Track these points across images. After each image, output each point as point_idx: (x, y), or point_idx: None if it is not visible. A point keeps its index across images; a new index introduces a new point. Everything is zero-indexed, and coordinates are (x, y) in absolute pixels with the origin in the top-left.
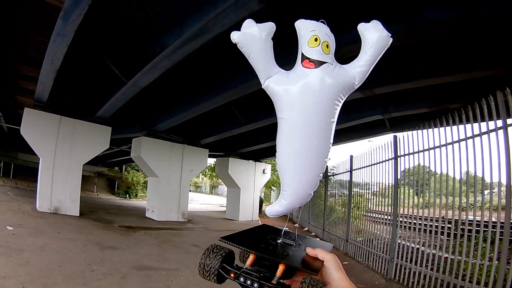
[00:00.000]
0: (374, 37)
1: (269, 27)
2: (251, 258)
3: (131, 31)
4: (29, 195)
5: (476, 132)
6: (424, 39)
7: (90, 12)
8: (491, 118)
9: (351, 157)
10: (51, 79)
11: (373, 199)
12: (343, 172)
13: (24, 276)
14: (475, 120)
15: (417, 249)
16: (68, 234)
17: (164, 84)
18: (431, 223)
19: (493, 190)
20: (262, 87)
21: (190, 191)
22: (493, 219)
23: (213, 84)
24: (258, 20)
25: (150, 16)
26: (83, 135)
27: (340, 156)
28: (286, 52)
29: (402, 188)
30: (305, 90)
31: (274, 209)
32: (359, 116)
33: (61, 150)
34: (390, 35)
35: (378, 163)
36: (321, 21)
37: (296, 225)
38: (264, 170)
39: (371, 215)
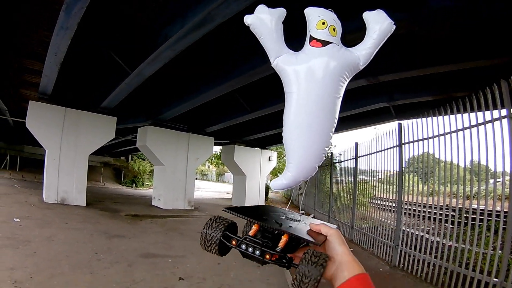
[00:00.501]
0: (378, 23)
1: (280, 12)
2: (254, 229)
3: (134, 22)
4: (36, 187)
5: (481, 121)
6: (427, 28)
7: (92, 4)
8: (495, 107)
9: (356, 144)
10: (55, 72)
11: (379, 186)
12: (349, 159)
13: (32, 266)
14: (480, 109)
15: (422, 236)
16: (75, 224)
17: (168, 74)
18: (436, 211)
19: (498, 180)
20: (272, 65)
21: (196, 179)
22: (497, 208)
23: (216, 73)
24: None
25: (153, 6)
26: (88, 126)
27: (346, 143)
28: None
29: (407, 176)
30: (312, 66)
31: (279, 182)
32: (364, 104)
33: (67, 141)
34: (393, 22)
35: (383, 150)
36: (330, 10)
37: (302, 212)
38: (270, 157)
39: (376, 202)
